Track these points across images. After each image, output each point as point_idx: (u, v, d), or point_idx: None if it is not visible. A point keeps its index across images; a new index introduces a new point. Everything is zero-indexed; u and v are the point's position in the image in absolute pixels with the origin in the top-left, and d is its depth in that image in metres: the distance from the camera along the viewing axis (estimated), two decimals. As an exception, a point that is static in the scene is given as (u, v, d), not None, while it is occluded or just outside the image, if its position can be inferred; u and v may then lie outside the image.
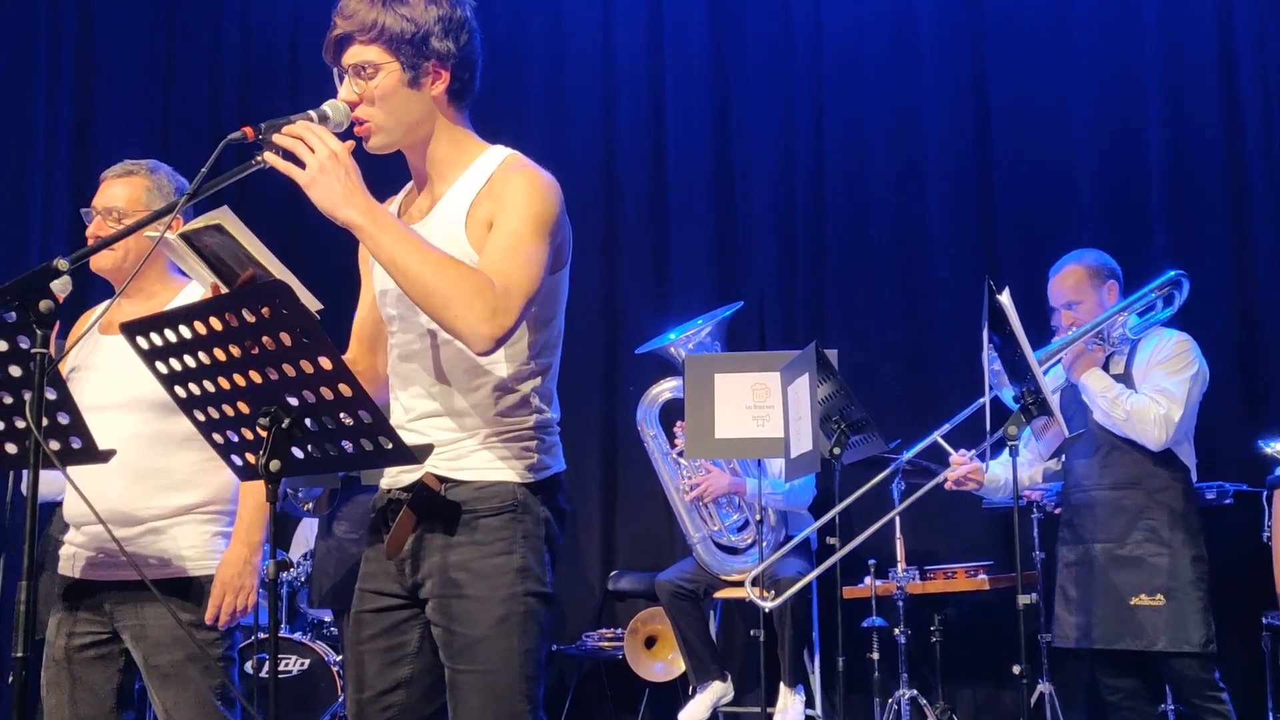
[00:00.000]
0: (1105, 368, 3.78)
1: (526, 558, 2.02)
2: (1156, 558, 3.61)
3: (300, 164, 1.87)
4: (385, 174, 2.26)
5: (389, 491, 2.12)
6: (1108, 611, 3.65)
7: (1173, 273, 3.83)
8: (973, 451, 3.75)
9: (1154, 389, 3.65)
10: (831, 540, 3.76)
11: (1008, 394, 3.66)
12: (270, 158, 1.86)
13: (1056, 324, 4.15)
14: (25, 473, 1.89)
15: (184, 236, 1.93)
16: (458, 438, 2.05)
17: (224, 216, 1.91)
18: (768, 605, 3.96)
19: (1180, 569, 3.60)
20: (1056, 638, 3.83)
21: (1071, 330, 3.81)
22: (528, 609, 2.00)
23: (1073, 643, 3.74)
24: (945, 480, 3.77)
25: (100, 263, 2.74)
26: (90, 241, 2.72)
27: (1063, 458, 3.91)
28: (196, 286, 2.75)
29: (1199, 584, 3.60)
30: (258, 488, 2.60)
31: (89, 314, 2.90)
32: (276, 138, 1.87)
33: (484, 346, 1.92)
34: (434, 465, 2.04)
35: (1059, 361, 3.81)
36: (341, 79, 2.08)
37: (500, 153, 2.12)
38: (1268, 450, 3.99)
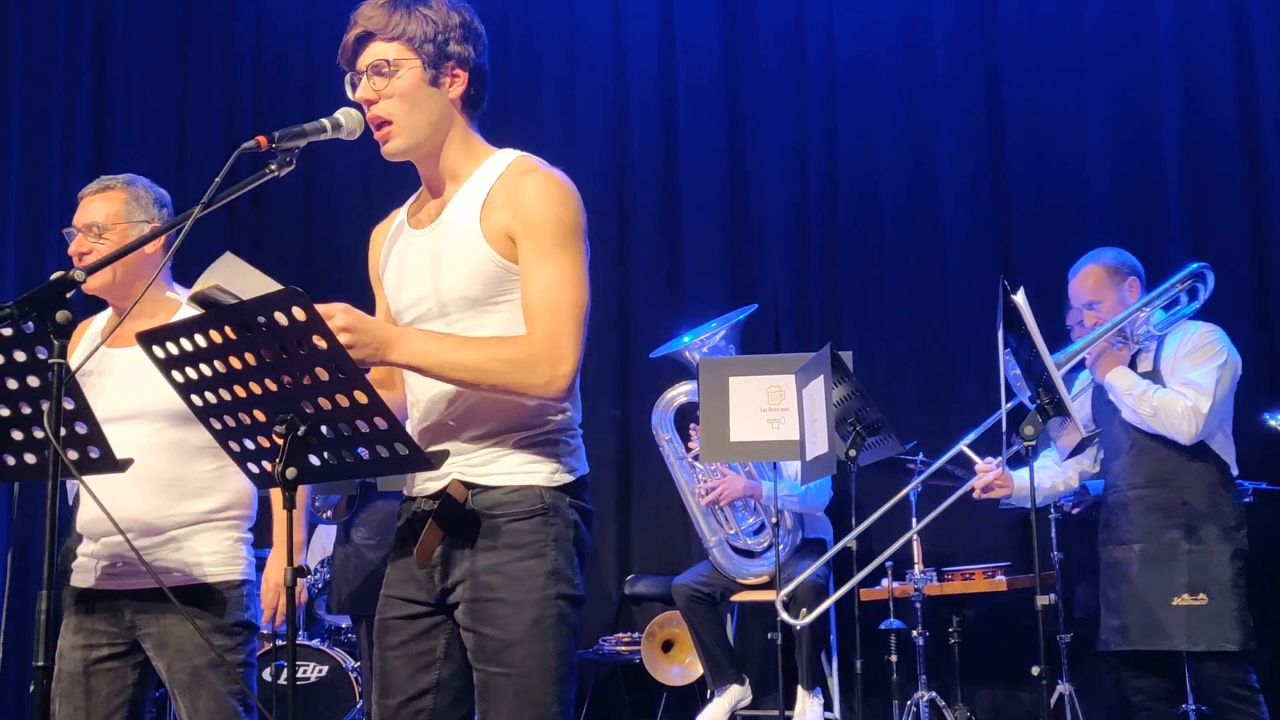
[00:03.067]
0: (1133, 366, 3.71)
1: (558, 560, 2.02)
2: (1192, 555, 3.54)
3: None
4: (391, 183, 2.26)
5: (414, 500, 2.12)
6: (1147, 612, 3.57)
7: (1195, 265, 3.75)
8: (999, 459, 3.71)
9: (1181, 382, 3.58)
10: (849, 545, 3.75)
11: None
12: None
13: (1071, 323, 4.13)
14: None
15: (192, 299, 1.92)
16: (483, 442, 2.05)
17: (220, 272, 1.89)
18: (798, 624, 3.96)
19: (1216, 566, 3.52)
20: (1100, 642, 3.74)
21: (1093, 330, 3.75)
22: (559, 612, 2.01)
23: (1115, 645, 3.66)
24: (973, 489, 3.73)
25: (93, 282, 2.70)
26: (74, 261, 2.72)
27: (1100, 458, 3.86)
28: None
29: (1236, 581, 3.52)
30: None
31: (86, 323, 2.89)
32: None
33: (562, 397, 2.01)
34: (460, 471, 2.04)
35: (1083, 364, 3.76)
36: (354, 85, 2.08)
37: (509, 154, 2.14)
38: (1272, 423, 3.93)
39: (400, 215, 2.23)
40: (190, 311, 1.87)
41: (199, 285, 1.87)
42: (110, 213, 2.75)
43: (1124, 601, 3.64)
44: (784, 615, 3.76)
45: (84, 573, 2.70)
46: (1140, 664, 3.70)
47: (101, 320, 2.87)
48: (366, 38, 2.07)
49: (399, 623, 2.10)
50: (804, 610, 4.59)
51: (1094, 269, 3.83)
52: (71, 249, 2.76)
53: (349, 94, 2.09)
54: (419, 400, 2.12)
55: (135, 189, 2.79)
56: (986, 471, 3.75)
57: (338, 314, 1.84)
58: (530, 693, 1.97)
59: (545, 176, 2.05)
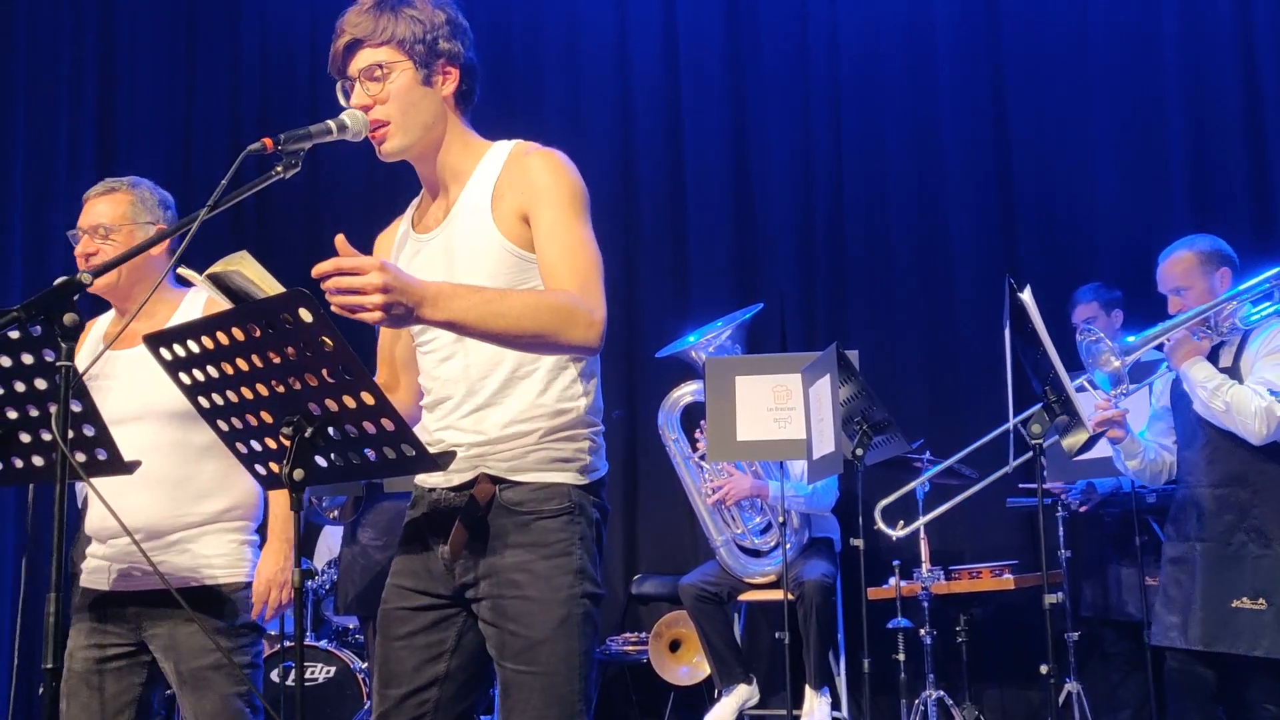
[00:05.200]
0: (1213, 358, 3.58)
1: (583, 559, 2.02)
2: (1260, 559, 3.44)
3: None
4: (397, 185, 2.26)
5: (432, 490, 2.11)
6: (1207, 612, 3.49)
7: None
8: (1115, 392, 3.53)
9: (1258, 380, 3.46)
10: (856, 542, 3.75)
11: (1101, 377, 3.55)
12: (340, 312, 1.79)
13: (1077, 321, 4.10)
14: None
15: (208, 277, 1.93)
16: (514, 433, 2.04)
17: (240, 262, 1.90)
18: (896, 534, 4.06)
19: None
20: (1155, 636, 3.66)
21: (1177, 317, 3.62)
22: (585, 610, 2.01)
23: (1170, 642, 3.59)
24: (1095, 419, 3.55)
25: (98, 284, 2.70)
26: (80, 263, 2.72)
27: (1156, 459, 3.76)
28: (194, 298, 2.75)
29: None
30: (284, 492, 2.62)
31: (86, 329, 2.88)
32: (334, 304, 1.78)
33: (597, 347, 1.99)
34: (489, 465, 2.04)
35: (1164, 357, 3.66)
36: (347, 92, 2.08)
37: (507, 144, 2.14)
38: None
39: (403, 223, 2.23)
40: (201, 289, 1.87)
41: (216, 267, 1.87)
42: (116, 214, 2.75)
43: (1185, 599, 3.55)
44: (881, 524, 3.70)
45: (93, 575, 2.71)
46: (1201, 656, 3.58)
47: (103, 323, 2.87)
48: (355, 45, 2.06)
49: (407, 613, 2.10)
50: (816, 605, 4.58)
51: (1185, 254, 3.69)
52: (78, 250, 2.76)
53: (341, 101, 2.09)
54: (441, 393, 2.10)
55: (140, 190, 2.80)
56: (1104, 408, 3.59)
57: (373, 271, 1.76)
58: (557, 690, 1.97)
59: (548, 153, 2.08)
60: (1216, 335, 3.61)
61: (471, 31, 2.15)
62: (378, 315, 1.78)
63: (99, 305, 2.87)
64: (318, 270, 1.77)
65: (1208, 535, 3.55)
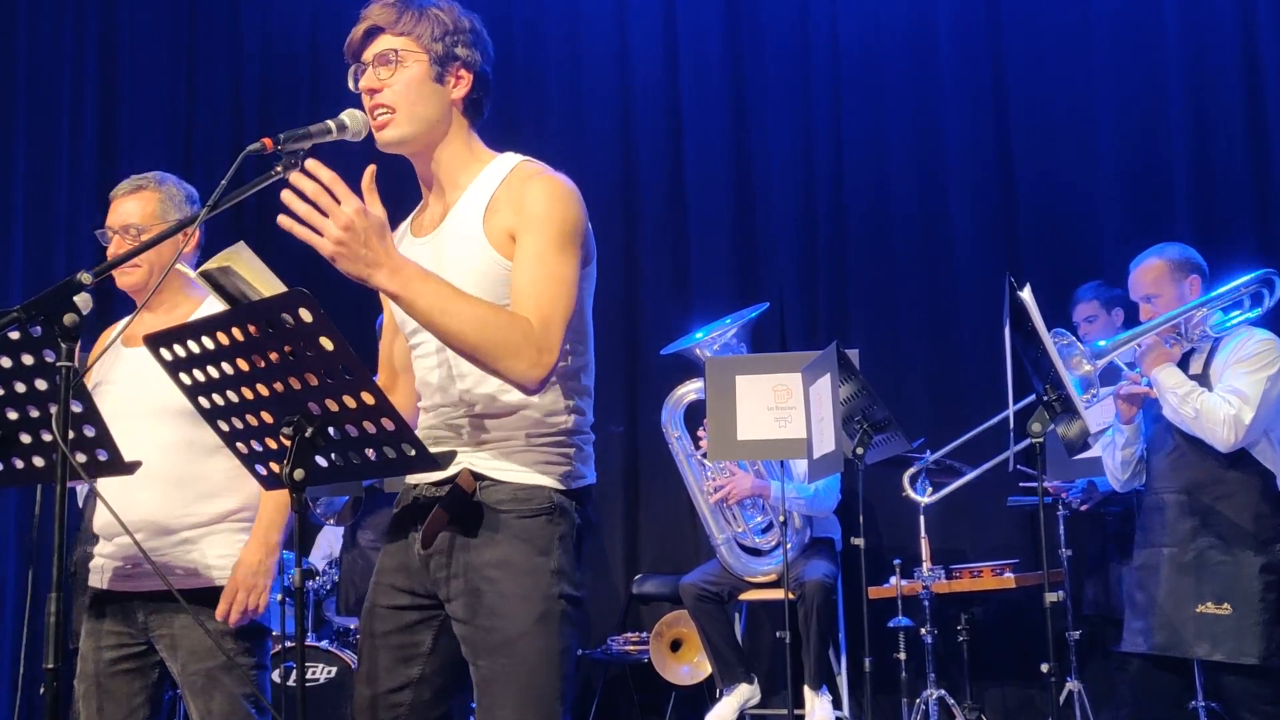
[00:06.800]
0: (1184, 365, 3.61)
1: (562, 560, 2.02)
2: (1221, 565, 3.48)
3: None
4: (400, 190, 2.26)
5: (415, 487, 2.11)
6: (1170, 618, 3.52)
7: (1262, 271, 3.63)
8: (1086, 394, 3.52)
9: (1227, 389, 3.48)
10: (857, 541, 3.75)
11: (1073, 379, 3.56)
12: (288, 224, 1.81)
13: (1078, 320, 4.09)
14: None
15: (202, 274, 1.94)
16: (499, 437, 2.04)
17: (235, 257, 1.90)
18: (924, 500, 4.16)
19: (1245, 578, 3.45)
20: (1123, 642, 3.69)
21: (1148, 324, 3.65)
22: (563, 610, 2.00)
23: (1134, 648, 3.61)
24: (1122, 388, 3.63)
25: (126, 280, 2.74)
26: None
27: (1142, 457, 3.77)
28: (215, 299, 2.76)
29: (1265, 594, 3.44)
30: (279, 491, 2.61)
31: (111, 329, 2.91)
32: (289, 216, 1.80)
33: (534, 387, 1.95)
34: (472, 462, 2.04)
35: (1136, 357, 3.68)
36: (357, 78, 2.10)
37: (512, 158, 2.14)
38: None
39: (403, 225, 2.24)
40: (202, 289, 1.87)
41: (210, 264, 1.87)
42: (147, 213, 2.75)
43: (1149, 605, 3.59)
44: (910, 492, 3.71)
45: (99, 574, 2.71)
46: (1161, 661, 3.64)
47: (124, 324, 2.88)
48: (375, 31, 2.09)
49: (387, 612, 2.10)
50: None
51: (1156, 262, 3.73)
52: (110, 251, 2.75)
53: (351, 86, 2.10)
54: (433, 398, 2.11)
55: (167, 187, 2.80)
56: (1138, 381, 3.62)
57: (351, 205, 1.81)
58: (536, 688, 1.96)
59: (550, 180, 2.06)
60: (1187, 342, 3.65)
61: (492, 49, 2.16)
62: (329, 248, 1.81)
63: (118, 307, 2.87)
64: (311, 164, 1.82)
65: (1173, 541, 3.57)
